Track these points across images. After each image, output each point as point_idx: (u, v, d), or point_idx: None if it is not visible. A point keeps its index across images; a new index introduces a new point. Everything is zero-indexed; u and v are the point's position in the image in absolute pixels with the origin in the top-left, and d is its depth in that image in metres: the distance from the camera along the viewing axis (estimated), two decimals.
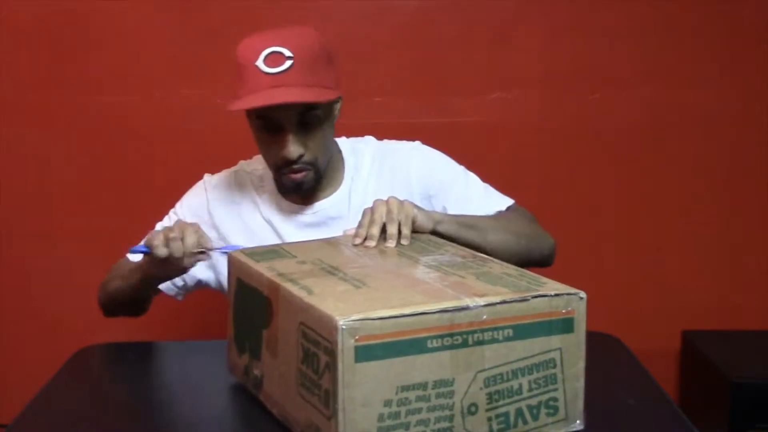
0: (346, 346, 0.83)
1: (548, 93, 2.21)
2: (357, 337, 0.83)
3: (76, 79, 2.18)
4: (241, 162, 1.56)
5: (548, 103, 2.21)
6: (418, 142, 1.54)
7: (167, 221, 1.52)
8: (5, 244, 2.23)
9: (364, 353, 0.83)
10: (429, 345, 0.86)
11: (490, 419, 0.91)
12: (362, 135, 1.56)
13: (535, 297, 0.91)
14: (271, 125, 1.35)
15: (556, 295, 0.92)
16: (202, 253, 1.24)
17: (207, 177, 1.55)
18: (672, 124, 2.23)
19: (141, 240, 1.31)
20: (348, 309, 0.85)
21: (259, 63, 1.32)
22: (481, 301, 0.88)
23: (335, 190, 1.48)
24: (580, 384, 0.95)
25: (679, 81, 2.22)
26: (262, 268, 1.05)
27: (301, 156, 1.36)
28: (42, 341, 2.17)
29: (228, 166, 1.56)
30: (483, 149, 2.11)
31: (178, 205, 1.54)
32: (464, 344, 0.88)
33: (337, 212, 1.46)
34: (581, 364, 0.95)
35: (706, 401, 2.11)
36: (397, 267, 1.05)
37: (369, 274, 1.01)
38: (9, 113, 2.19)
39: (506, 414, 0.91)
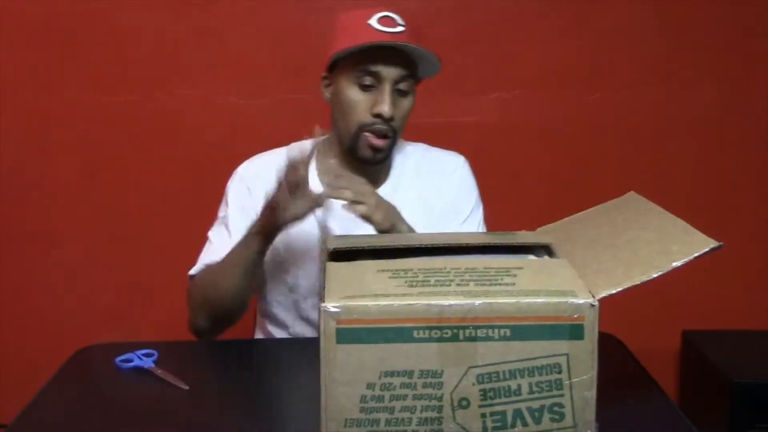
0: (328, 328, 0.87)
1: (548, 93, 2.21)
2: (338, 320, 0.87)
3: (76, 79, 2.17)
4: (280, 149, 1.49)
5: (548, 103, 2.21)
6: (464, 158, 1.55)
7: (217, 230, 1.47)
8: (5, 244, 2.23)
9: (346, 336, 0.87)
10: (415, 335, 0.88)
11: (484, 416, 0.91)
12: None
13: (533, 299, 0.90)
14: (369, 81, 1.34)
15: (560, 299, 0.90)
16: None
17: (240, 170, 1.49)
18: (672, 124, 2.23)
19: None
20: (342, 291, 0.88)
21: (373, 22, 1.32)
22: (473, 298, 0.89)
23: (380, 184, 1.47)
24: (591, 394, 0.92)
25: (680, 81, 2.22)
26: None
27: (392, 118, 1.34)
28: (42, 341, 2.17)
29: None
30: (483, 149, 2.11)
31: (226, 208, 1.47)
32: (454, 338, 0.88)
33: None
34: (592, 374, 0.91)
35: (706, 401, 2.11)
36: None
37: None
38: (9, 113, 2.19)
39: (503, 413, 0.91)
